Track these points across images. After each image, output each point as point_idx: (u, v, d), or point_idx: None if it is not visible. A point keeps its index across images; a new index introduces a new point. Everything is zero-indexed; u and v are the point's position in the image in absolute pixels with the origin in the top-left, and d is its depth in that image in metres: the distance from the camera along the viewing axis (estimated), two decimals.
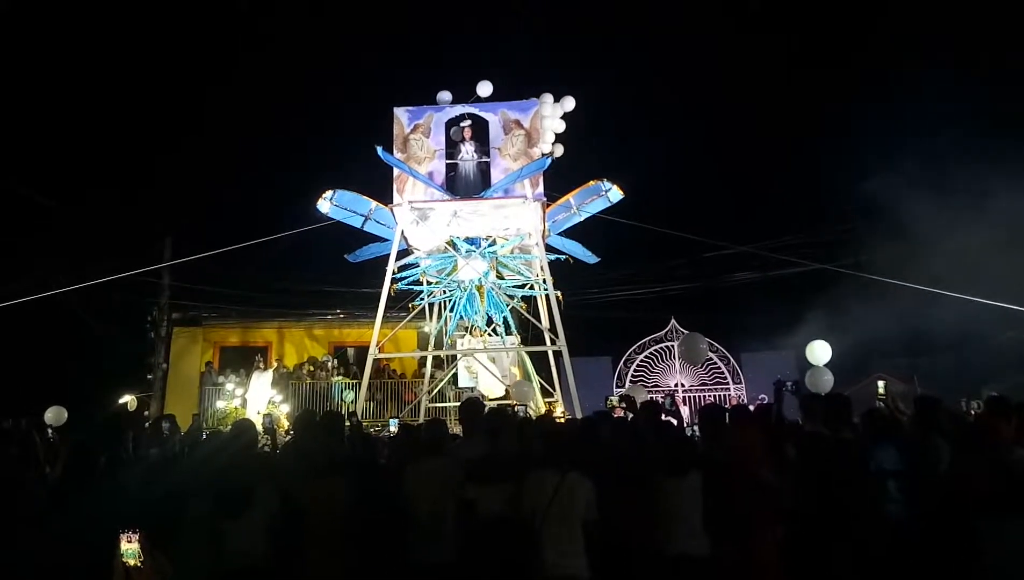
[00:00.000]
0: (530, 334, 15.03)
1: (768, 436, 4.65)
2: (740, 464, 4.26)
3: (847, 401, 5.07)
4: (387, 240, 13.34)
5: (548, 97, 13.27)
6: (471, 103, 13.15)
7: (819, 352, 11.82)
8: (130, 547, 2.31)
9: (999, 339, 14.22)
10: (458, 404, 8.57)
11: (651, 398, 7.49)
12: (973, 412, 6.84)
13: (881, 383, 5.78)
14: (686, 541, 4.21)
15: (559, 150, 13.49)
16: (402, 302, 14.30)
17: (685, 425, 7.12)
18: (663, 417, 5.58)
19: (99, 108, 33.00)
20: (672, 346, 16.71)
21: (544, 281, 12.98)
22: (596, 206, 13.34)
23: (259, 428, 5.62)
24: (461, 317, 13.86)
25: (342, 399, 16.18)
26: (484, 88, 13.11)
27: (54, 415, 9.94)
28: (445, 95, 13.27)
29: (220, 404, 15.71)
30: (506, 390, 13.46)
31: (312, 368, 17.48)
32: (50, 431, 8.59)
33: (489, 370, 13.71)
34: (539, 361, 14.37)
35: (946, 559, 4.22)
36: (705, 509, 4.26)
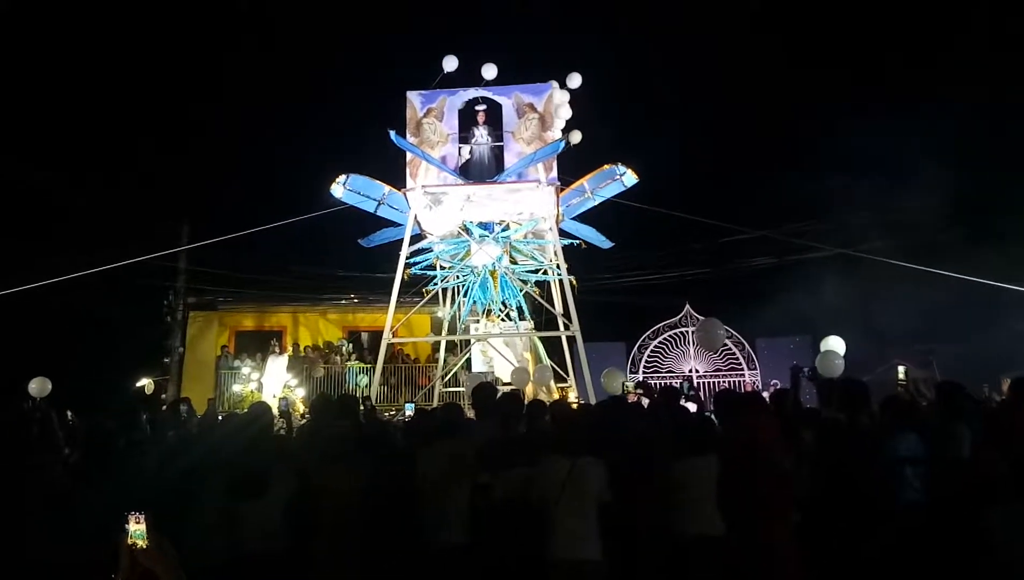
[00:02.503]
0: (543, 319, 15.01)
1: (784, 421, 4.62)
2: (756, 449, 4.23)
3: (865, 387, 5.01)
4: (400, 225, 13.34)
5: (573, 81, 13.20)
6: (484, 86, 13.07)
7: (833, 346, 11.59)
8: (139, 528, 2.30)
9: (1019, 325, 14.04)
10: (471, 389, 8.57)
11: (668, 383, 7.47)
12: (997, 398, 6.76)
13: (901, 369, 5.73)
14: (700, 522, 4.20)
15: (576, 137, 13.38)
16: (416, 287, 14.31)
17: (704, 411, 7.09)
18: (682, 402, 5.55)
19: (119, 94, 33.14)
20: (687, 332, 16.63)
21: (558, 266, 12.94)
22: (610, 190, 13.26)
23: (275, 412, 5.65)
24: (475, 302, 13.85)
25: (356, 383, 16.26)
26: (489, 71, 13.00)
27: (38, 386, 9.84)
28: (451, 62, 13.10)
29: (236, 388, 15.85)
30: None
31: (328, 351, 17.55)
32: (69, 414, 8.68)
33: (503, 355, 13.72)
34: (553, 346, 14.35)
35: (962, 547, 4.17)
36: (720, 492, 4.24)
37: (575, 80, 13.22)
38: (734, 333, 16.38)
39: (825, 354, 9.41)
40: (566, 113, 13.29)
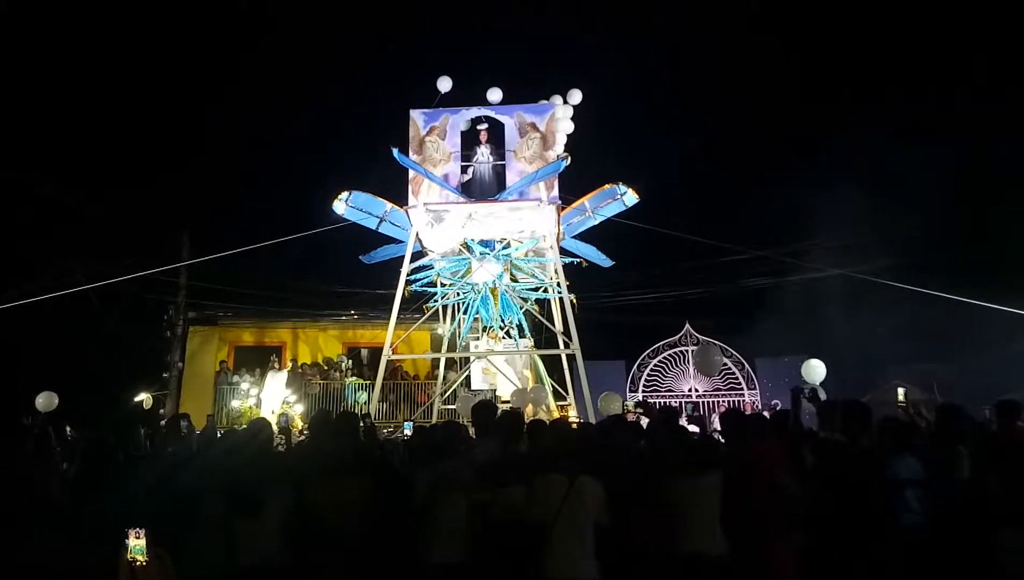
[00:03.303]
0: (543, 337, 15.00)
1: (786, 442, 4.61)
2: (761, 469, 4.22)
3: (866, 409, 4.99)
4: (402, 242, 13.38)
5: (573, 97, 13.32)
6: (486, 106, 13.17)
7: (815, 372, 11.54)
8: (138, 543, 2.30)
9: (1021, 346, 14.02)
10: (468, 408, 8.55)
11: (667, 403, 7.47)
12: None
13: (901, 390, 5.72)
14: (701, 541, 4.18)
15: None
16: (416, 304, 14.32)
17: (708, 433, 7.08)
18: (686, 424, 5.55)
19: (120, 107, 33.38)
20: (687, 351, 16.64)
21: (558, 284, 12.96)
22: (611, 209, 13.31)
23: (274, 428, 5.64)
24: (475, 318, 13.85)
25: (356, 400, 16.21)
26: (494, 94, 13.12)
27: (45, 401, 9.90)
28: (446, 83, 13.24)
29: (235, 403, 15.81)
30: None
31: (326, 368, 17.51)
32: (68, 429, 8.67)
33: (503, 373, 13.70)
34: (552, 364, 14.33)
35: (963, 570, 4.16)
36: (724, 511, 4.23)
37: (575, 96, 13.34)
38: (734, 353, 16.39)
39: (807, 364, 9.53)
40: (567, 128, 13.39)
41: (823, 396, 6.31)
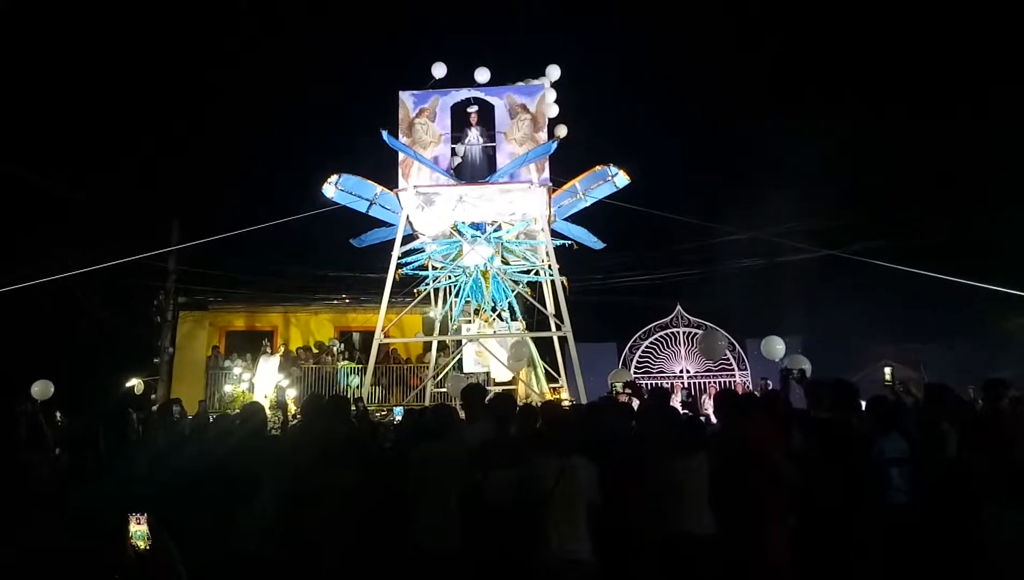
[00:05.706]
0: (535, 320, 15.02)
1: (777, 423, 4.65)
2: (756, 449, 4.26)
3: (854, 388, 5.05)
4: (392, 225, 13.33)
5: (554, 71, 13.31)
6: (476, 87, 13.08)
7: (775, 345, 11.67)
8: (139, 529, 2.32)
9: (1008, 326, 14.16)
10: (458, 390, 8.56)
11: (659, 384, 7.50)
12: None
13: (887, 370, 5.77)
14: (691, 520, 4.23)
15: (562, 131, 13.41)
16: (408, 287, 14.29)
17: (700, 416, 7.13)
18: (680, 409, 5.59)
19: (107, 93, 32.97)
20: (678, 332, 16.69)
21: (549, 267, 12.95)
22: (602, 191, 13.29)
23: (269, 404, 5.64)
24: (467, 301, 13.85)
25: (348, 384, 16.22)
26: (482, 75, 13.03)
27: (40, 389, 9.91)
28: (440, 69, 13.17)
29: (227, 388, 15.79)
30: (513, 376, 13.49)
31: (318, 352, 17.49)
32: (58, 415, 8.63)
33: (495, 356, 13.72)
34: (544, 347, 14.36)
35: (949, 547, 4.22)
36: (718, 492, 4.27)
37: (554, 72, 13.31)
38: (725, 334, 16.45)
39: (767, 339, 9.68)
40: (553, 112, 13.35)
41: (779, 354, 6.36)
